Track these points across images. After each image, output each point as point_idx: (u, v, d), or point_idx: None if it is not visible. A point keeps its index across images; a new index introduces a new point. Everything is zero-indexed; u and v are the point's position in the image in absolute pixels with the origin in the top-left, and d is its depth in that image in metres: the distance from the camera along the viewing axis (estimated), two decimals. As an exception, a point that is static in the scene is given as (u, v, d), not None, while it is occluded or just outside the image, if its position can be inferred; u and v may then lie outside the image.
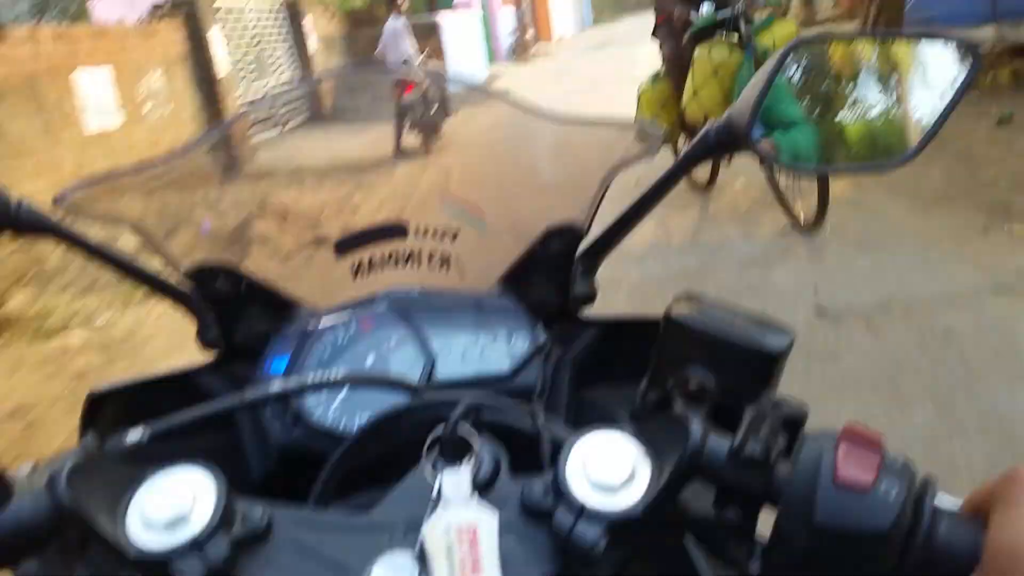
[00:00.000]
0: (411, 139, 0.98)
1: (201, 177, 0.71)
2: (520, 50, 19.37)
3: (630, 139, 0.66)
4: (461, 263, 0.73)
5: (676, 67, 4.29)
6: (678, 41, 4.19)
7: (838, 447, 0.36)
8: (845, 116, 0.65)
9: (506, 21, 19.27)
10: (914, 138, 0.62)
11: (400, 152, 0.89)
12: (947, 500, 0.37)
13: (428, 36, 12.52)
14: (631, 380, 0.50)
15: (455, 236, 0.72)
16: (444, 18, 13.49)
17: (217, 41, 7.67)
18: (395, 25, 7.51)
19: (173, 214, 0.68)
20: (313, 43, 10.65)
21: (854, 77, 0.65)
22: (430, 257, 0.74)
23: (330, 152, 0.84)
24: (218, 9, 8.13)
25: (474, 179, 0.77)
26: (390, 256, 0.74)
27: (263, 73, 9.34)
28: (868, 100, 0.65)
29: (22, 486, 0.38)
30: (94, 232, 0.65)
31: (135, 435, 0.47)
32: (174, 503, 0.37)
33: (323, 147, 0.88)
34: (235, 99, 7.98)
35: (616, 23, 32.59)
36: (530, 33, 21.52)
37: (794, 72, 0.63)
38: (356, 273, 0.73)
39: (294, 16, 10.36)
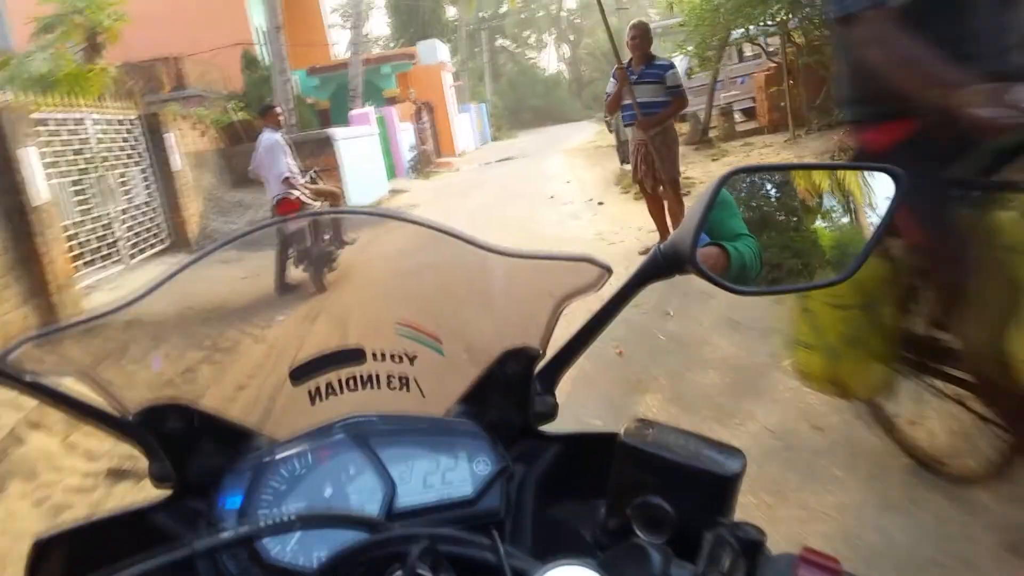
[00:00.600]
0: (297, 272, 0.86)
1: (145, 321, 0.69)
2: (422, 165, 18.58)
3: (579, 271, 0.68)
4: (421, 385, 0.74)
5: (940, 255, 1.73)
6: (936, 204, 1.67)
7: (796, 570, 0.38)
8: (786, 239, 0.69)
9: (406, 136, 18.54)
10: (850, 256, 0.67)
11: (284, 287, 0.83)
12: None
13: (321, 152, 11.36)
14: (595, 495, 0.50)
15: (413, 359, 0.73)
16: (339, 133, 12.44)
17: (32, 162, 6.06)
18: (271, 138, 6.20)
19: (121, 357, 0.69)
20: (177, 161, 9.17)
21: (791, 204, 0.69)
22: (388, 379, 0.74)
23: (199, 293, 0.72)
24: (38, 122, 6.57)
25: (428, 306, 0.77)
26: (348, 380, 0.73)
27: (107, 198, 7.73)
28: (804, 223, 0.70)
29: None
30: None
31: None
32: None
33: (193, 285, 0.70)
34: (59, 231, 6.31)
35: (514, 138, 33.17)
36: (431, 147, 20.97)
37: (738, 193, 0.67)
38: (313, 399, 0.72)
39: (153, 131, 8.91)
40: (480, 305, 0.77)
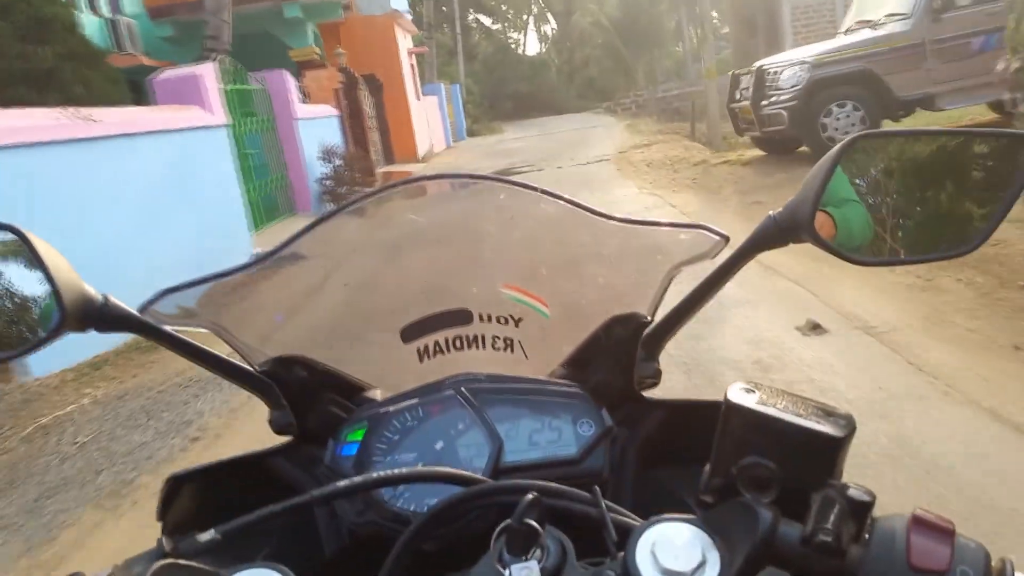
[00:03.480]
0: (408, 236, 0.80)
1: (277, 275, 0.73)
2: (350, 186, 9.74)
3: (694, 239, 0.68)
4: (525, 347, 0.76)
5: None
6: None
7: (910, 532, 0.37)
8: (905, 208, 0.66)
9: (322, 132, 9.84)
10: (975, 229, 0.63)
11: (393, 251, 0.79)
12: None
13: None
14: (697, 461, 0.49)
15: (519, 322, 0.75)
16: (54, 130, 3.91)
17: None
18: None
19: (250, 312, 0.73)
20: None
21: (915, 171, 0.66)
22: (494, 340, 0.76)
23: (322, 252, 0.74)
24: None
25: (535, 270, 0.77)
26: (455, 340, 0.76)
27: None
28: (928, 193, 0.66)
29: None
30: None
31: (208, 536, 0.49)
32: None
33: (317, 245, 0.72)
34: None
35: (498, 133, 24.59)
36: (376, 149, 12.39)
37: (854, 163, 0.63)
38: (422, 357, 0.75)
39: None
40: (589, 270, 0.77)
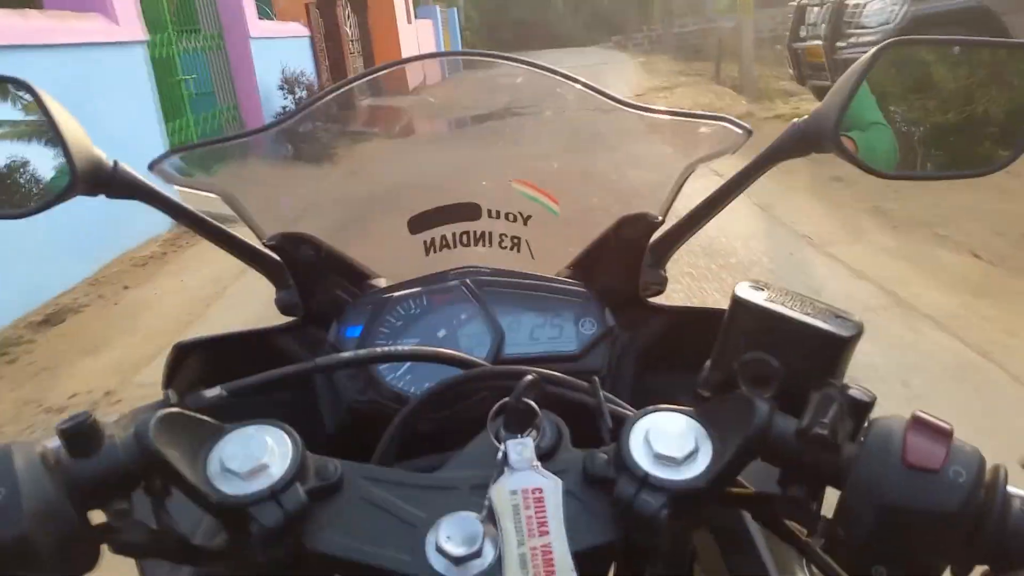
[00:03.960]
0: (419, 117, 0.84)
1: (286, 149, 0.72)
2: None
3: (712, 132, 0.65)
4: (532, 246, 0.75)
5: None
6: None
7: (907, 432, 0.37)
8: (933, 121, 0.63)
9: (288, 56, 8.09)
10: (1007, 145, 0.60)
11: (403, 132, 0.82)
12: (1018, 490, 0.37)
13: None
14: (695, 370, 0.48)
15: (527, 219, 0.74)
16: None
17: None
18: None
19: (258, 184, 0.72)
20: None
21: (945, 81, 0.63)
22: (501, 238, 0.75)
23: (334, 127, 0.73)
24: None
25: (548, 165, 0.75)
26: (462, 235, 0.75)
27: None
28: (958, 105, 0.63)
29: (111, 433, 0.40)
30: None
31: (214, 392, 0.49)
32: (253, 455, 0.39)
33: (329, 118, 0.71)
34: None
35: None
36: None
37: (880, 74, 0.59)
38: (428, 250, 0.75)
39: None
40: (602, 164, 0.74)
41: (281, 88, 7.71)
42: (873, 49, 0.55)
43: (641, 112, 0.68)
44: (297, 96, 7.73)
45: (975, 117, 0.61)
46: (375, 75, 0.72)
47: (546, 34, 33.64)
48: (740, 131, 0.64)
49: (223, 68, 7.33)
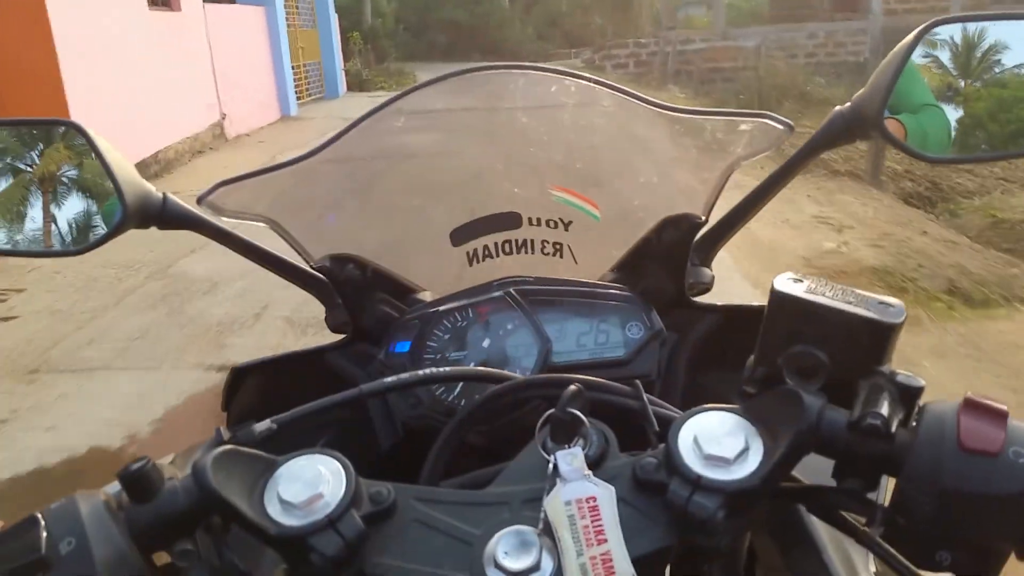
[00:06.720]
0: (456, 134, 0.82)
1: (328, 174, 0.73)
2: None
3: (755, 129, 0.64)
4: (574, 251, 0.75)
5: None
6: None
7: (960, 415, 0.37)
8: (981, 100, 0.60)
9: None
10: None
11: (441, 149, 0.80)
12: None
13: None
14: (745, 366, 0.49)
15: (568, 225, 0.74)
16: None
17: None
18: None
19: (303, 209, 0.73)
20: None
21: (994, 59, 0.60)
22: (543, 245, 0.76)
23: (374, 148, 0.75)
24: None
25: (586, 171, 0.74)
26: (504, 244, 0.77)
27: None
28: (1008, 83, 0.60)
29: (170, 476, 0.41)
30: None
31: (264, 426, 0.50)
32: (308, 486, 0.40)
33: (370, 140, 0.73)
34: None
35: (393, 89, 13.94)
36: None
37: (927, 54, 0.57)
38: (471, 261, 0.77)
39: None
40: (642, 168, 0.74)
41: None
42: (914, 32, 0.55)
43: (680, 115, 0.69)
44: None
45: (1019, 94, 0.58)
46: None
47: (489, 41, 25.46)
48: (781, 127, 0.65)
49: None
